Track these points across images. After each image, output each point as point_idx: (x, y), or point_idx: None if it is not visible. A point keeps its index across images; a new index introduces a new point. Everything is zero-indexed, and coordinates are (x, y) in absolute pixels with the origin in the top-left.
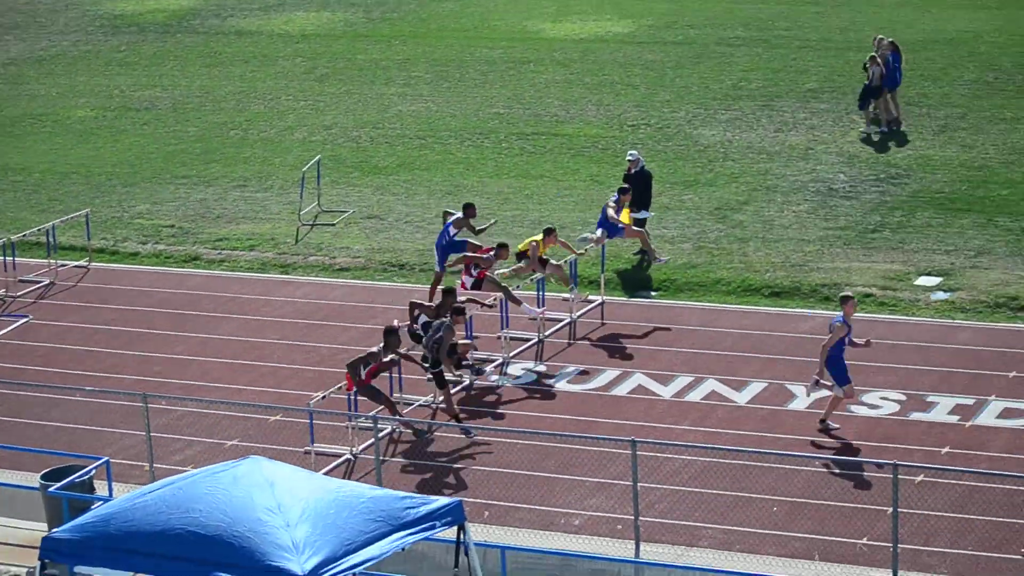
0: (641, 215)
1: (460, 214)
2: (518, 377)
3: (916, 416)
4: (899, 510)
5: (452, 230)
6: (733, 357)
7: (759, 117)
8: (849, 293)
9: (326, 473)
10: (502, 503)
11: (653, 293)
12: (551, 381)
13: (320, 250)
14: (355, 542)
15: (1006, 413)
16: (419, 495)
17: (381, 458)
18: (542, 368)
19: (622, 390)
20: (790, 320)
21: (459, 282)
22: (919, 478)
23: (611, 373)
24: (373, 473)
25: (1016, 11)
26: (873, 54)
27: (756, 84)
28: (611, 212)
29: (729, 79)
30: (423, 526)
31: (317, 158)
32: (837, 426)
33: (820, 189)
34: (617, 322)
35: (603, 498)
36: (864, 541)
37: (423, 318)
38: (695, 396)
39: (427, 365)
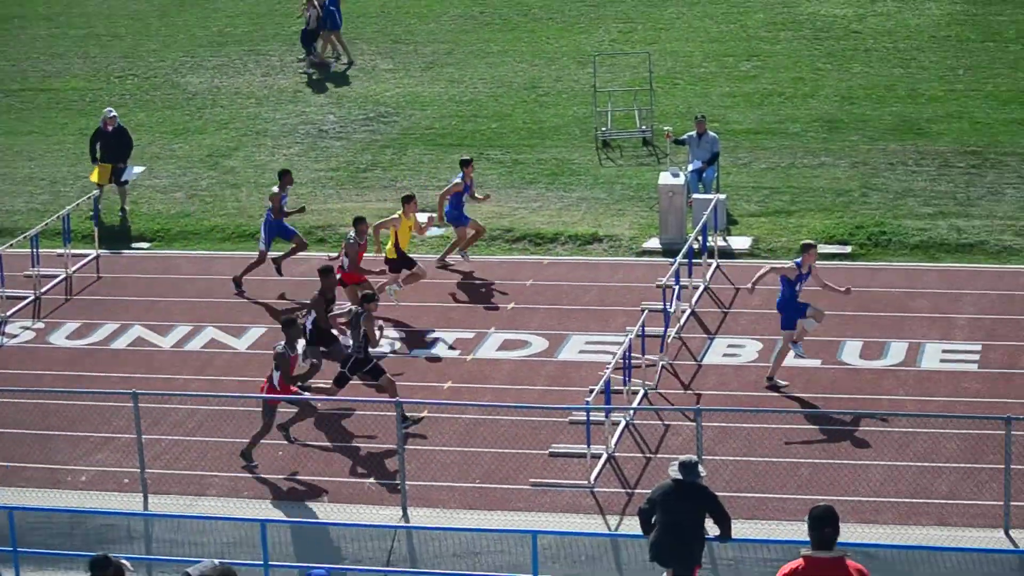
0: (132, 172)
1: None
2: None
3: (417, 352)
4: (405, 447)
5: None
6: (230, 304)
7: (246, 62)
8: (811, 241)
9: None
10: (6, 463)
11: (147, 244)
12: (50, 337)
13: None
14: None
15: (506, 344)
16: None
17: None
18: (40, 325)
19: (121, 343)
20: (285, 264)
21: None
22: (423, 414)
23: (110, 327)
24: None
25: None
26: None
27: (242, 29)
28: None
29: (215, 25)
30: None
31: None
32: (785, 383)
33: (310, 131)
34: (113, 275)
35: (109, 452)
36: (372, 480)
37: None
38: (195, 345)
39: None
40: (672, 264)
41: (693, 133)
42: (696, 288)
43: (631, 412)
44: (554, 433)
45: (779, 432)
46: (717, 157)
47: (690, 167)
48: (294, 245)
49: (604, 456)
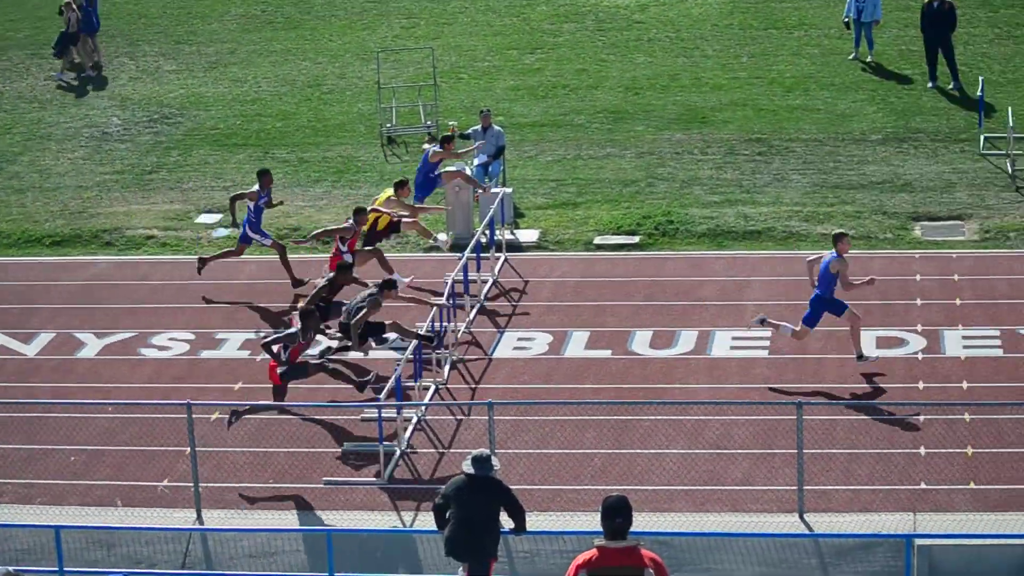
0: None
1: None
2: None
3: (207, 354)
4: (197, 449)
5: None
6: (18, 310)
7: (28, 66)
8: (843, 230)
9: None
10: None
11: None
12: None
13: None
14: None
15: None
16: None
17: None
18: None
19: None
20: (73, 268)
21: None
22: (214, 416)
23: None
24: None
25: None
26: (69, 0)
27: (24, 33)
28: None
29: None
30: None
31: None
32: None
33: (94, 134)
34: None
35: None
36: (165, 483)
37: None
38: None
39: (339, 336)
40: (460, 259)
41: (478, 127)
42: (485, 282)
43: (423, 408)
44: (346, 431)
45: (572, 424)
46: (503, 151)
47: (476, 161)
48: (234, 250)
49: (397, 452)
